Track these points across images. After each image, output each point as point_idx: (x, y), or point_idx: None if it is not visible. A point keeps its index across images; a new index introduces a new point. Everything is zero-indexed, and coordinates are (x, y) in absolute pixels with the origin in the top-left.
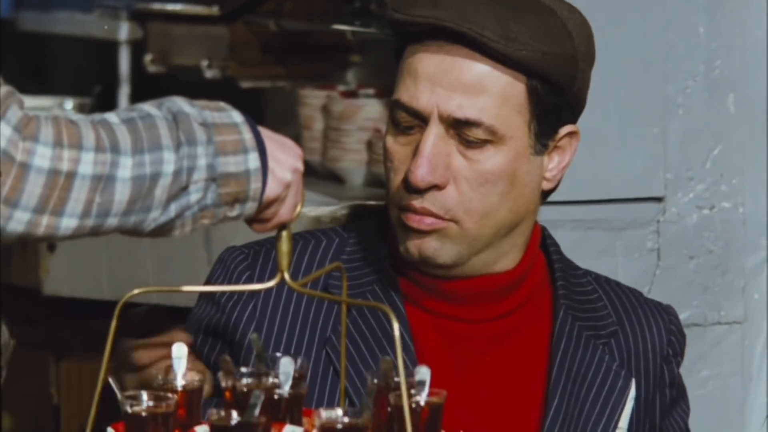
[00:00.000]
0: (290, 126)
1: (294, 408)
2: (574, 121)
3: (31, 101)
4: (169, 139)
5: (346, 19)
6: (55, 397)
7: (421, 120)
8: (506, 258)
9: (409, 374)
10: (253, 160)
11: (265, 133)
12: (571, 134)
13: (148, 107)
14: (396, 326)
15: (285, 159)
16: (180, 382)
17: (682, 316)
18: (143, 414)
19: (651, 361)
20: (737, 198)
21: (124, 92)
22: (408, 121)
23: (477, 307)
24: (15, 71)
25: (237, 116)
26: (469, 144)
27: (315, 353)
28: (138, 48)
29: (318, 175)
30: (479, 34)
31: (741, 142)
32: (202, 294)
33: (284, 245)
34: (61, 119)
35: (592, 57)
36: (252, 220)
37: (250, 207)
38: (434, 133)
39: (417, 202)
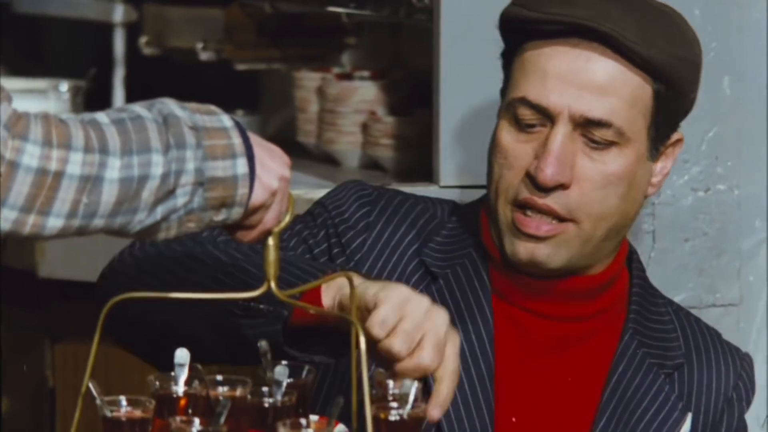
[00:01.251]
0: (285, 108)
1: (284, 418)
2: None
3: (26, 83)
4: (159, 141)
5: (341, 2)
6: (51, 380)
7: (547, 118)
8: (602, 262)
9: (395, 386)
10: (241, 166)
11: (254, 139)
12: (677, 141)
13: (138, 108)
14: (362, 340)
15: (273, 166)
16: (181, 388)
17: (677, 299)
18: (122, 419)
19: (713, 401)
20: (732, 180)
21: (119, 74)
22: (532, 119)
23: (556, 304)
24: (10, 54)
25: (227, 120)
26: (594, 145)
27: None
28: (133, 30)
29: (313, 157)
30: (620, 35)
31: (736, 124)
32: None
33: (270, 254)
34: (51, 118)
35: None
36: (236, 228)
37: (236, 212)
38: (562, 132)
39: (540, 200)
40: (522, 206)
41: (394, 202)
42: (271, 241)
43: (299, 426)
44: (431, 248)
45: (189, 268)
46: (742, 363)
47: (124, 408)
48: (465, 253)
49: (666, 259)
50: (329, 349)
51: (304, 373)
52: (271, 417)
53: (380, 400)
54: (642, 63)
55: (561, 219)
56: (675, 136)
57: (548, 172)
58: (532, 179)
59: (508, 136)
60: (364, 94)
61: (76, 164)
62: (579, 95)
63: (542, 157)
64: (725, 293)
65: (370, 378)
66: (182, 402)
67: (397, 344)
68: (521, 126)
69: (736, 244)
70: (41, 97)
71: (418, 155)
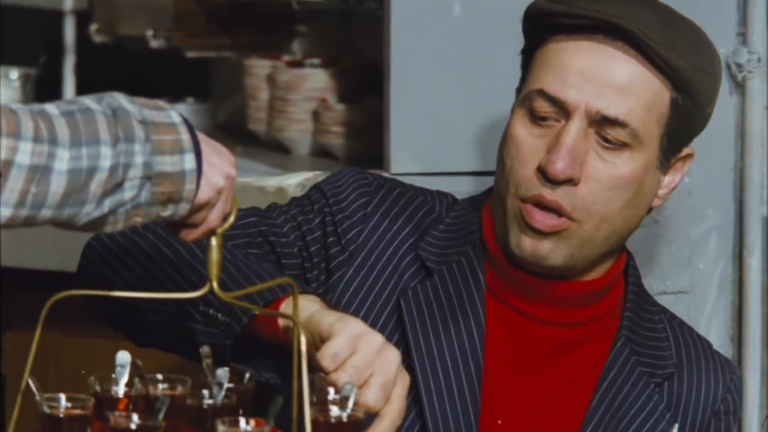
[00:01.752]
0: (236, 96)
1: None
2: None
3: None
4: (108, 134)
5: None
6: (1, 368)
7: (563, 113)
8: (599, 268)
9: (336, 390)
10: (189, 161)
11: (201, 137)
12: (687, 156)
13: (88, 101)
14: (303, 340)
15: (219, 164)
16: (122, 389)
17: None
18: (60, 415)
19: (701, 412)
20: None
21: (69, 62)
22: (547, 113)
23: (550, 308)
24: None
25: (175, 116)
26: (607, 145)
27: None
28: (83, 18)
29: (264, 145)
30: (646, 36)
31: None
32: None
33: (214, 254)
34: (1, 108)
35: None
36: (181, 226)
37: (183, 208)
38: (577, 127)
39: (548, 194)
40: (531, 202)
41: (393, 194)
42: (214, 241)
43: (237, 423)
44: (428, 242)
45: (157, 260)
46: (732, 376)
47: (63, 405)
48: (462, 250)
49: None
50: (278, 368)
51: (245, 378)
52: (210, 418)
53: (321, 404)
54: (664, 67)
55: (565, 217)
56: (686, 151)
57: (559, 165)
58: (542, 172)
59: (522, 130)
60: (315, 81)
61: (25, 154)
62: (598, 92)
63: (554, 150)
64: (676, 281)
65: (311, 383)
66: (122, 403)
67: (343, 378)
68: (536, 119)
69: (687, 232)
70: None
71: (368, 142)
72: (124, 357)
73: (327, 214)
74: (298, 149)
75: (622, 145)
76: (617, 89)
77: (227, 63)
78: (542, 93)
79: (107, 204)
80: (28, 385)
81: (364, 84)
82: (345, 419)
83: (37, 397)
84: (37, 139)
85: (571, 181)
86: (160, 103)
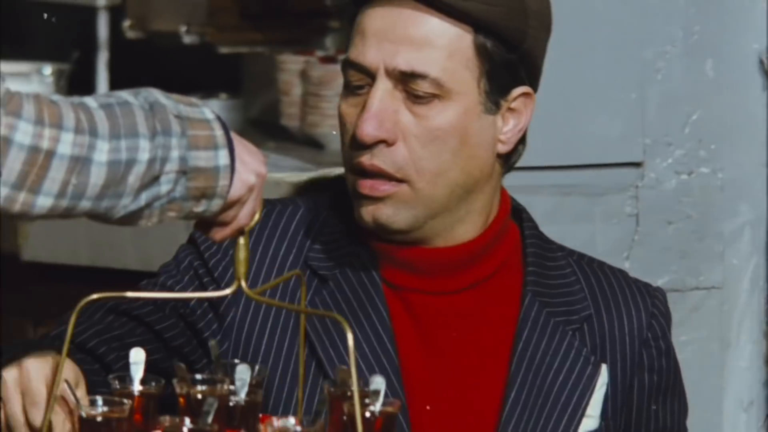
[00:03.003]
0: (268, 91)
1: (250, 415)
2: (529, 84)
3: (9, 67)
4: (146, 127)
5: None
6: None
7: (369, 77)
8: (464, 224)
9: (365, 383)
10: (223, 157)
11: (233, 134)
12: (525, 95)
13: (125, 95)
14: (350, 337)
15: (251, 161)
16: (137, 387)
17: (660, 282)
18: (98, 419)
19: (628, 345)
20: (716, 163)
21: (102, 58)
22: (358, 80)
23: (440, 278)
24: None
25: (209, 113)
26: (416, 99)
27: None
28: (116, 13)
29: (296, 140)
30: None
31: (719, 107)
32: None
33: (241, 253)
34: (43, 98)
35: (547, 22)
36: (211, 225)
37: (216, 204)
38: (381, 88)
39: (366, 159)
40: (356, 172)
41: (263, 218)
42: (242, 240)
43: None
44: (316, 250)
45: None
46: (653, 300)
47: (100, 408)
48: (351, 250)
49: (649, 242)
50: None
51: (256, 371)
52: (238, 416)
53: (342, 397)
54: (453, 12)
55: (396, 180)
56: (519, 90)
57: (364, 128)
58: (355, 139)
59: (343, 104)
60: None
61: (66, 144)
62: (395, 50)
63: (360, 115)
64: (708, 276)
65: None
66: (137, 401)
67: None
68: (351, 90)
69: (719, 227)
70: (24, 81)
71: None
72: (138, 354)
73: (198, 267)
74: (330, 144)
75: (430, 97)
76: (412, 43)
77: (260, 58)
78: (347, 62)
79: (144, 197)
80: (60, 387)
81: None
82: (377, 413)
83: (74, 400)
84: (78, 129)
85: (384, 143)
86: (194, 99)
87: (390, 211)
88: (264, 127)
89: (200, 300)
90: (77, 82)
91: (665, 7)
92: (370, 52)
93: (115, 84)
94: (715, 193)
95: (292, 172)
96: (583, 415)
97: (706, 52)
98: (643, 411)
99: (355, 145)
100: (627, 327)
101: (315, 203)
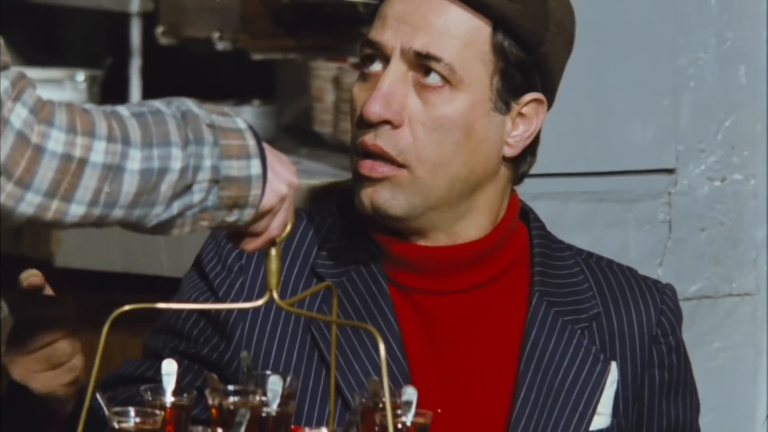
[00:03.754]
0: (301, 98)
1: (282, 427)
2: (543, 92)
3: (42, 73)
4: (178, 136)
5: None
6: None
7: (384, 60)
8: (465, 222)
9: (397, 394)
10: (255, 167)
11: (265, 145)
12: (537, 102)
13: (158, 104)
14: (381, 347)
15: (282, 172)
16: (168, 399)
17: (693, 289)
18: (131, 430)
19: (638, 342)
20: (748, 170)
21: (135, 64)
22: (372, 60)
23: (446, 277)
24: (26, 44)
25: (241, 123)
26: (427, 84)
27: (300, 342)
28: (149, 20)
29: (329, 147)
30: None
31: (752, 113)
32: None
33: (273, 264)
34: (75, 106)
35: (568, 34)
36: (243, 236)
37: (248, 213)
38: (393, 70)
39: (369, 139)
40: (360, 153)
41: None
42: (273, 251)
43: None
44: (323, 257)
45: None
46: (662, 297)
47: (132, 419)
48: (357, 254)
49: (682, 249)
50: None
51: (287, 383)
52: (270, 427)
53: (374, 408)
54: (475, 5)
55: (396, 164)
56: (531, 96)
57: (371, 106)
58: (362, 118)
59: (356, 89)
60: None
61: (99, 152)
62: (412, 32)
63: (370, 95)
64: (741, 283)
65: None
66: (168, 413)
67: None
68: (366, 73)
69: (752, 234)
70: (57, 87)
71: None
72: (170, 366)
73: (204, 292)
74: None
75: (441, 85)
76: (430, 28)
77: (293, 65)
78: (366, 41)
79: (176, 206)
80: (93, 398)
81: None
82: (409, 424)
83: (106, 412)
84: (110, 138)
85: (390, 124)
86: (226, 109)
87: (387, 195)
88: (297, 133)
89: (202, 330)
90: (110, 89)
91: (698, 14)
92: (387, 32)
93: (148, 90)
94: (748, 200)
95: (325, 178)
96: (594, 413)
97: (739, 58)
98: (654, 408)
99: (361, 124)
100: (636, 324)
101: (320, 212)
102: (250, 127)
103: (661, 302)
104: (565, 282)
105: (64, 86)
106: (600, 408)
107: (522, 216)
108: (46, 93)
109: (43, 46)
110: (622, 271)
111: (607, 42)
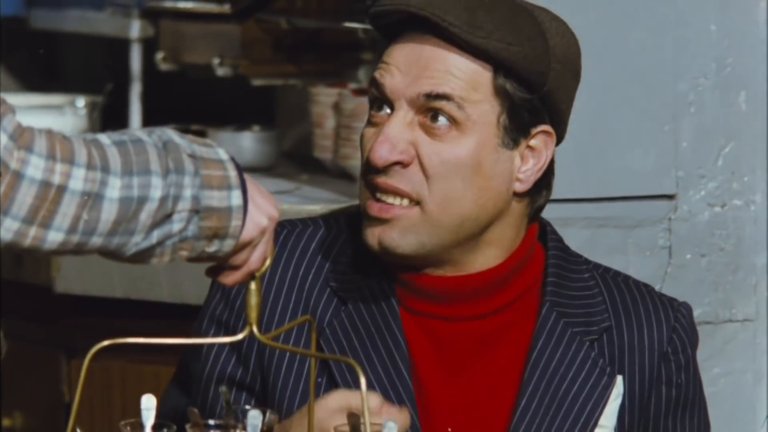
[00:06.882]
0: (302, 124)
1: None
2: (552, 125)
3: (42, 99)
4: (158, 165)
5: (358, 17)
6: (67, 395)
7: (390, 106)
8: (475, 254)
9: (378, 428)
10: (236, 198)
11: (246, 176)
12: (546, 133)
13: (139, 133)
14: (363, 380)
15: (263, 204)
16: None
17: (694, 314)
18: None
19: (647, 357)
20: (749, 196)
21: (135, 90)
22: (379, 99)
23: (459, 305)
24: (27, 69)
25: (223, 154)
26: (434, 130)
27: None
28: (149, 46)
29: (329, 173)
30: (441, 19)
31: (752, 139)
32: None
33: (252, 298)
34: (55, 133)
35: (574, 67)
36: (222, 269)
37: (228, 244)
38: (400, 116)
39: (381, 179)
40: (372, 191)
41: (280, 240)
42: (253, 285)
43: None
44: (337, 271)
45: None
46: (676, 315)
47: None
48: (370, 273)
49: (682, 275)
50: None
51: (267, 418)
52: None
53: None
54: (470, 49)
55: (410, 200)
56: (540, 128)
57: (377, 151)
58: (368, 162)
59: (365, 129)
60: None
61: (78, 179)
62: (417, 80)
63: (375, 139)
64: (741, 308)
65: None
66: None
67: None
68: (374, 114)
69: (753, 260)
70: (58, 113)
71: None
72: (149, 401)
73: (221, 312)
74: None
75: (449, 128)
76: (434, 72)
77: (293, 91)
78: (372, 82)
79: (155, 235)
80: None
81: None
82: None
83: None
84: (90, 165)
85: (400, 164)
86: (208, 140)
87: (396, 235)
88: (297, 159)
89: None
90: (110, 115)
91: (698, 40)
92: (392, 80)
93: (149, 116)
94: (749, 226)
95: (326, 204)
96: (595, 425)
97: (739, 84)
98: (659, 425)
99: (369, 167)
100: (647, 339)
101: (336, 224)
102: (232, 159)
103: (674, 320)
104: (579, 294)
105: (64, 112)
106: (603, 421)
107: (540, 236)
108: (46, 119)
109: (43, 72)
110: (637, 287)
111: (608, 68)
